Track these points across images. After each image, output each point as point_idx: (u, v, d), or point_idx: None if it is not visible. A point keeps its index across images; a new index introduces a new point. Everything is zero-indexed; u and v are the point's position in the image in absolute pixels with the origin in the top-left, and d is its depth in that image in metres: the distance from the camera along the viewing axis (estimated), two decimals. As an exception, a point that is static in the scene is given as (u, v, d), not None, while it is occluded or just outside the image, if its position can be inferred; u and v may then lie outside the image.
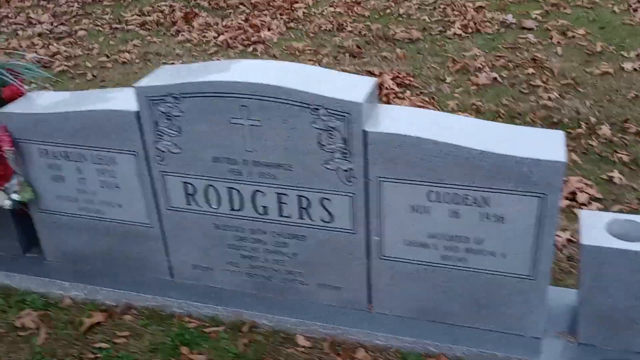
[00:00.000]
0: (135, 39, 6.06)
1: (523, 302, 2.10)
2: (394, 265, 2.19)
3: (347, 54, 5.38)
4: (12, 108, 2.40)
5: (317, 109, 1.98)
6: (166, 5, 6.99)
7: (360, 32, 5.91)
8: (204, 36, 6.02)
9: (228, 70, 2.18)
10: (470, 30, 5.80)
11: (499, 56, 5.13)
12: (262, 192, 2.21)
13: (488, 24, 5.91)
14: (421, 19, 6.23)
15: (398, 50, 5.41)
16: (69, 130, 2.31)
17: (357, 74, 4.71)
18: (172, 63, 5.39)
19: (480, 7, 6.48)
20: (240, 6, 6.87)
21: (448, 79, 4.75)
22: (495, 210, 1.97)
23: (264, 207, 2.24)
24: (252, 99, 2.03)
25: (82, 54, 5.72)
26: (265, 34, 5.96)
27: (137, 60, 5.55)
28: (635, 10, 6.13)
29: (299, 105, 1.99)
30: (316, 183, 2.12)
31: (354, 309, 2.33)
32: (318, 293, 2.35)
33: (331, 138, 2.02)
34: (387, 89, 4.58)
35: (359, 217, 2.13)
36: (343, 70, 4.96)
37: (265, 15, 6.54)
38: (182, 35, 6.08)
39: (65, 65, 5.42)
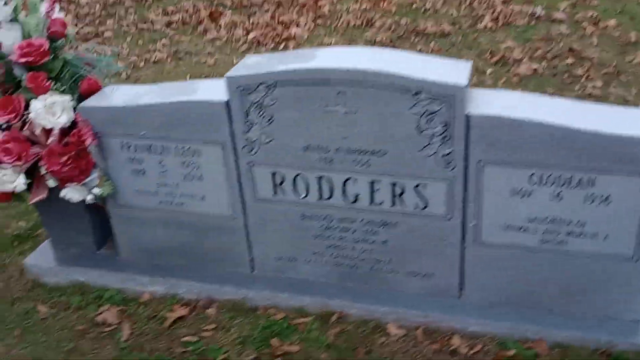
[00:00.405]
0: (162, 38, 6.04)
1: (624, 285, 2.08)
2: (490, 250, 2.17)
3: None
4: (93, 102, 2.37)
5: (417, 93, 1.96)
6: (190, 5, 6.96)
7: (390, 28, 5.89)
8: (233, 34, 5.99)
9: (318, 57, 2.16)
10: (500, 23, 5.79)
11: (534, 48, 5.11)
12: (353, 180, 2.18)
13: (518, 16, 5.89)
14: (449, 13, 6.21)
15: (432, 44, 5.39)
16: (155, 122, 2.29)
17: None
18: (205, 62, 5.37)
19: (507, 0, 6.47)
20: (265, 4, 6.84)
21: (488, 71, 4.74)
22: (600, 192, 1.95)
23: (355, 195, 2.21)
24: (350, 85, 2.01)
25: (112, 55, 5.69)
26: (294, 30, 5.94)
27: (168, 59, 5.52)
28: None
29: (399, 90, 1.97)
30: (412, 169, 2.10)
31: (443, 296, 2.31)
32: (406, 281, 2.33)
33: (430, 123, 2.00)
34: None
35: (455, 203, 2.11)
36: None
37: (291, 12, 6.51)
38: (210, 33, 6.05)
39: (97, 66, 5.39)
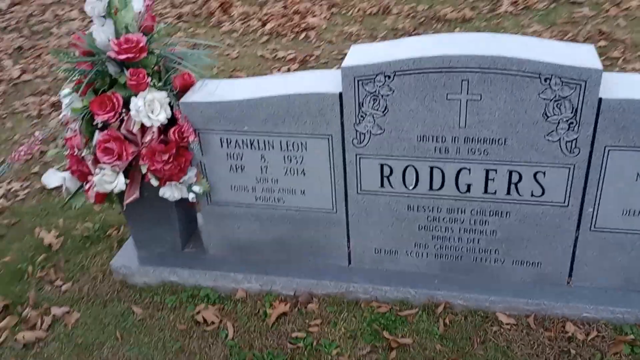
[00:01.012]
0: (177, 32, 5.91)
1: None
2: (605, 236, 2.17)
3: (405, 36, 5.33)
4: (193, 97, 2.30)
5: (548, 78, 1.95)
6: (196, -5, 6.83)
7: (408, 15, 5.86)
8: (248, 25, 5.91)
9: (435, 44, 2.12)
10: (520, 7, 5.80)
11: (562, 31, 5.14)
12: (468, 169, 2.16)
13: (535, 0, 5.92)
14: (464, -2, 6.22)
15: (456, 29, 5.39)
16: (261, 116, 2.23)
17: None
18: (228, 54, 5.28)
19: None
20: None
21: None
22: None
23: (468, 185, 2.20)
24: (476, 72, 1.99)
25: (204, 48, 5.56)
26: (312, 20, 5.88)
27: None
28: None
29: (529, 76, 1.96)
30: (532, 156, 2.09)
31: (550, 283, 2.31)
32: (512, 270, 2.33)
33: (559, 108, 1.98)
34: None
35: (575, 189, 2.11)
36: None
37: (304, 1, 6.44)
38: (225, 25, 5.95)
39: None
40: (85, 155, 2.31)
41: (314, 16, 6.01)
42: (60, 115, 2.38)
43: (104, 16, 2.31)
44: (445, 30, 5.42)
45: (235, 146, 2.32)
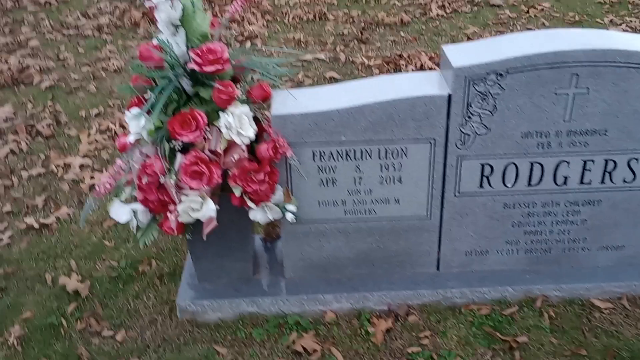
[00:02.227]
0: (104, 44, 5.47)
1: None
2: (687, 213, 2.32)
3: (355, 41, 5.36)
4: (284, 110, 2.13)
5: (652, 69, 2.04)
6: (111, 7, 6.37)
7: (346, 20, 5.90)
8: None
9: (539, 41, 2.13)
10: (449, 10, 6.07)
11: (498, 31, 5.46)
12: (567, 162, 2.21)
13: (459, 3, 6.23)
14: (391, 3, 6.39)
15: (402, 33, 5.51)
16: (362, 125, 2.11)
17: (387, 60, 4.78)
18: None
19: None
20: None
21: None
22: None
23: (565, 177, 2.25)
24: (585, 66, 2.03)
25: (58, 67, 5.04)
26: (251, 28, 5.72)
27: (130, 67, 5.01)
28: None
29: (635, 67, 2.04)
30: (629, 144, 2.18)
31: (632, 264, 2.43)
32: (597, 256, 2.42)
33: (657, 97, 2.09)
34: (430, 69, 4.68)
35: (663, 172, 2.23)
36: (366, 57, 4.97)
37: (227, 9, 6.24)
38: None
39: (48, 80, 4.75)
40: (167, 181, 2.04)
41: (252, 24, 5.85)
42: (130, 140, 2.09)
43: (177, 25, 2.07)
44: (390, 33, 5.52)
45: (329, 158, 2.18)
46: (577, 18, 5.71)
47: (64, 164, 3.55)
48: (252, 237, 2.39)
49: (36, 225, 3.01)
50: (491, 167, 2.21)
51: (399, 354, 2.20)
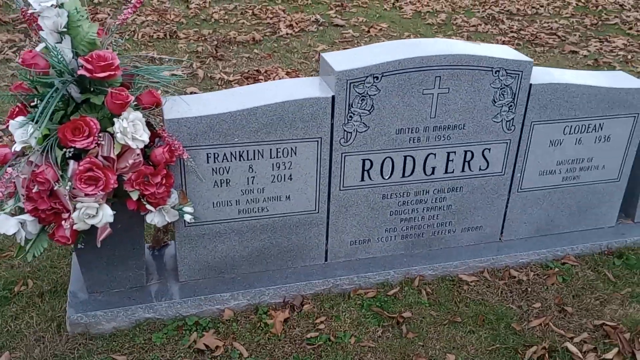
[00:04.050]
0: None
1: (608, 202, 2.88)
2: (527, 195, 2.73)
3: (211, 58, 5.44)
4: (178, 114, 2.17)
5: (498, 70, 2.41)
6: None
7: (198, 38, 5.97)
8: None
9: (406, 48, 2.39)
10: (296, 29, 6.40)
11: (345, 48, 5.86)
12: (434, 154, 2.51)
13: (305, 24, 6.58)
14: (240, 22, 6.57)
15: (256, 50, 5.70)
16: (253, 126, 2.23)
17: (246, 75, 4.94)
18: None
19: (282, 9, 7.14)
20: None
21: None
22: (603, 133, 2.68)
23: (433, 167, 2.54)
24: (446, 69, 2.34)
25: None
26: (101, 45, 5.56)
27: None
28: (400, 7, 7.53)
29: (485, 69, 2.39)
30: (483, 136, 2.53)
31: (488, 242, 2.80)
32: (461, 237, 2.75)
33: (503, 94, 2.46)
34: (288, 83, 4.91)
35: (509, 159, 2.62)
36: (224, 73, 5.08)
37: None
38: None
39: None
40: (61, 189, 1.99)
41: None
42: (15, 149, 2.01)
43: (62, 32, 2.04)
44: (244, 51, 5.68)
45: (223, 160, 2.26)
46: (411, 37, 6.30)
47: None
48: (144, 245, 2.38)
49: None
50: (371, 161, 2.44)
51: (298, 340, 2.32)
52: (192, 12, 6.78)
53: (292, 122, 2.27)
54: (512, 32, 6.74)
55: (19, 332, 2.31)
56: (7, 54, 5.22)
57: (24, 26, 5.88)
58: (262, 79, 4.94)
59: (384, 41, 6.07)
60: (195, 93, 4.63)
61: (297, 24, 6.55)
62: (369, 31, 6.48)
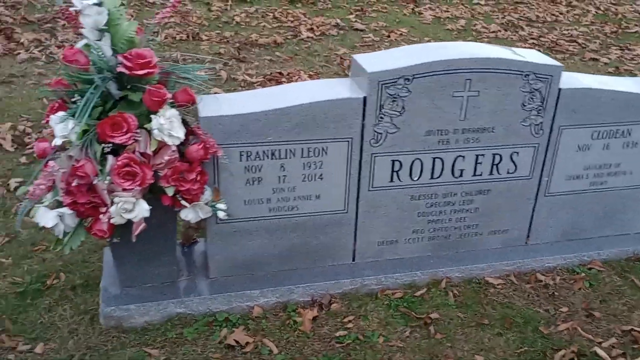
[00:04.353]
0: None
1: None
2: (554, 199, 2.74)
3: (234, 60, 5.49)
4: (210, 112, 2.21)
5: (527, 74, 2.42)
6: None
7: (220, 40, 6.02)
8: (52, 53, 5.38)
9: (438, 50, 2.41)
10: (318, 33, 6.43)
11: (367, 52, 5.88)
12: (463, 156, 2.53)
13: (326, 28, 6.62)
14: (261, 25, 6.62)
15: (277, 53, 5.74)
16: (286, 126, 2.26)
17: (269, 77, 4.98)
18: (41, 84, 4.75)
19: (302, 13, 7.18)
20: (59, 21, 6.21)
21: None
22: (631, 139, 2.69)
23: (461, 170, 2.56)
24: (476, 72, 2.36)
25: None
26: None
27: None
28: (420, 13, 7.55)
29: (515, 73, 2.41)
30: (511, 140, 2.54)
31: (515, 245, 2.80)
32: (487, 239, 2.76)
33: (532, 99, 2.48)
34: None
35: (537, 163, 2.63)
36: (247, 74, 5.12)
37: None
38: (22, 53, 5.32)
39: None
40: (100, 183, 2.03)
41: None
42: (55, 144, 2.05)
43: (102, 30, 2.09)
44: (266, 53, 5.72)
45: (255, 158, 2.29)
46: (433, 42, 6.32)
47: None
48: (176, 241, 2.41)
49: None
50: (400, 163, 2.46)
51: (327, 339, 2.34)
52: (214, 15, 6.84)
53: (324, 122, 2.29)
54: (532, 38, 6.74)
55: (52, 324, 2.35)
56: (33, 53, 5.29)
57: (49, 25, 5.97)
58: (284, 81, 4.98)
59: (404, 46, 6.12)
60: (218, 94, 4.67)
61: (317, 27, 6.59)
62: (389, 36, 6.51)
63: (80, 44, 2.13)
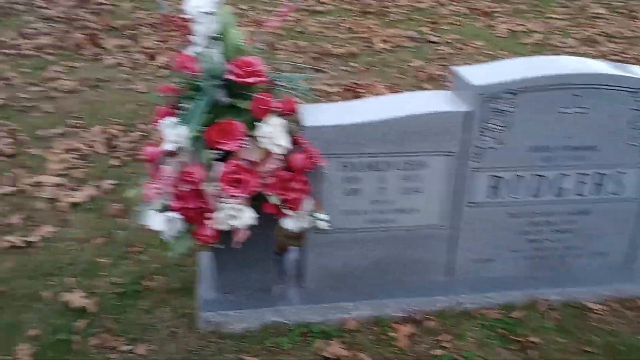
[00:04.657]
0: (49, 65, 5.29)
1: None
2: (658, 221, 2.62)
3: (308, 70, 5.53)
4: (314, 121, 2.21)
5: (636, 91, 2.32)
6: (46, 27, 6.17)
7: (297, 51, 6.08)
8: (135, 59, 5.53)
9: (543, 65, 2.36)
10: (392, 45, 6.41)
11: (440, 65, 5.83)
12: (566, 174, 2.44)
13: (400, 39, 6.58)
14: (332, 35, 6.65)
15: (352, 64, 5.75)
16: (387, 138, 2.24)
17: (345, 87, 4.98)
18: (135, 89, 4.89)
19: (375, 24, 7.18)
20: (141, 27, 6.41)
21: (428, 86, 5.28)
22: None
23: (563, 188, 2.47)
24: (584, 88, 2.28)
25: (2, 85, 4.81)
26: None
27: (83, 88, 4.87)
28: (494, 26, 7.43)
29: (624, 90, 2.31)
30: (617, 159, 2.44)
31: (616, 269, 2.68)
32: (587, 262, 2.65)
33: (640, 117, 2.38)
34: (388, 97, 4.93)
35: (646, 185, 2.51)
36: (325, 84, 5.14)
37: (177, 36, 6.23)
38: (107, 58, 5.49)
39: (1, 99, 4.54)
40: (208, 189, 2.06)
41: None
42: (166, 148, 2.09)
43: (214, 37, 2.12)
44: (341, 63, 5.74)
45: (355, 169, 2.28)
46: (508, 57, 6.19)
47: (35, 182, 3.40)
48: (273, 249, 2.42)
49: (19, 244, 2.86)
50: (501, 179, 2.40)
51: (424, 357, 2.29)
52: (289, 25, 6.90)
53: (425, 135, 2.26)
54: (612, 54, 6.52)
55: (152, 325, 2.39)
56: (117, 58, 5.46)
57: (132, 32, 6.15)
58: (361, 92, 4.98)
59: (480, 59, 6.02)
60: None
61: (391, 39, 6.57)
62: (463, 49, 6.42)
63: (191, 51, 2.17)
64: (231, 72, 2.08)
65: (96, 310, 2.46)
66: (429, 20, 7.49)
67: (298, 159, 2.16)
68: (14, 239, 2.88)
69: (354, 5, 7.61)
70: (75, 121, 4.20)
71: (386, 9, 7.66)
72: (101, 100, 4.56)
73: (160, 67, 5.36)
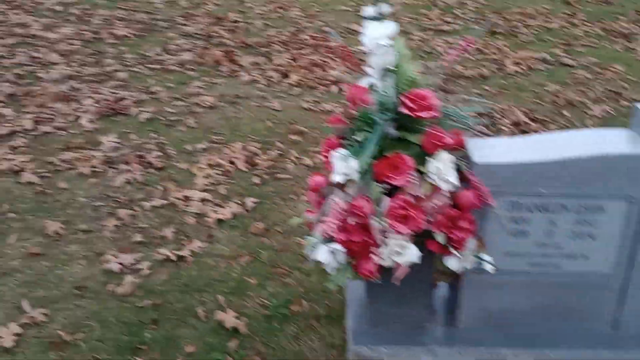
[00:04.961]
0: (190, 80, 5.53)
1: None
2: None
3: (440, 92, 5.42)
4: (484, 158, 2.13)
5: None
6: (188, 44, 6.48)
7: (426, 72, 5.98)
8: (269, 76, 5.67)
9: None
10: (523, 67, 6.17)
11: (579, 90, 5.53)
12: None
13: (532, 62, 6.33)
14: (464, 56, 6.49)
15: (484, 87, 5.59)
16: (562, 179, 2.12)
17: (484, 112, 4.82)
18: (268, 106, 5.01)
19: (505, 45, 6.94)
20: (273, 45, 6.58)
21: (565, 113, 5.02)
22: None
23: None
24: None
25: (150, 100, 5.09)
26: (334, 72, 5.81)
27: (222, 104, 5.05)
28: (634, 49, 6.97)
29: None
30: None
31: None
32: None
33: None
34: (525, 123, 4.75)
35: None
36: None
37: (309, 54, 6.34)
38: (244, 75, 5.66)
39: (146, 112, 4.79)
40: (375, 223, 2.03)
41: (332, 68, 5.94)
42: (335, 180, 2.09)
43: (388, 70, 2.10)
44: (472, 86, 5.59)
45: (524, 210, 2.17)
46: (656, 82, 5.79)
47: (184, 196, 3.54)
48: (430, 286, 2.36)
49: (173, 257, 2.98)
50: (684, 228, 2.20)
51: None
52: (414, 45, 6.85)
53: (606, 178, 2.12)
54: None
55: (301, 352, 2.40)
56: (253, 75, 5.63)
57: (266, 49, 6.33)
58: (498, 117, 4.82)
59: (623, 85, 5.66)
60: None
61: (523, 61, 6.33)
62: (602, 73, 6.07)
63: (364, 82, 2.17)
64: (404, 105, 2.05)
65: (247, 331, 2.50)
66: (561, 41, 7.16)
67: (467, 196, 2.09)
68: (168, 252, 3.01)
69: (481, 26, 7.44)
70: (216, 137, 4.37)
71: (515, 29, 7.42)
72: (239, 117, 4.71)
73: (292, 85, 5.47)
